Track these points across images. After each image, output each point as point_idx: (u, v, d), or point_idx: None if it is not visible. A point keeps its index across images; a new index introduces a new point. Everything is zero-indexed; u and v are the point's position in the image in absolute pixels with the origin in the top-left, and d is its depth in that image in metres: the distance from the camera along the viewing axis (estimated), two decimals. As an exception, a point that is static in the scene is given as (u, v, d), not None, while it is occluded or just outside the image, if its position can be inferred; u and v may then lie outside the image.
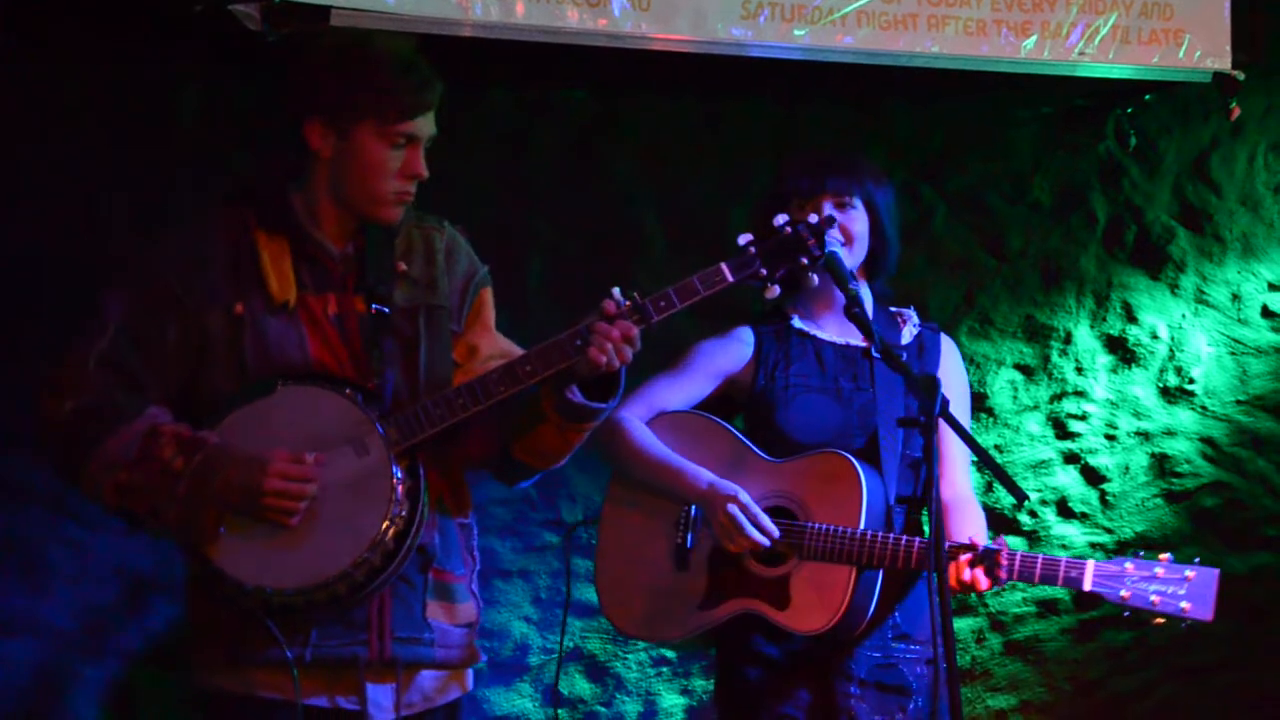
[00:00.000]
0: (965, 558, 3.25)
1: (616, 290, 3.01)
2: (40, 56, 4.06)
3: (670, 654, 4.72)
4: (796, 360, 3.50)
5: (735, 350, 3.54)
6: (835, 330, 3.53)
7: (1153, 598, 3.23)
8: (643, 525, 3.47)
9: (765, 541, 3.32)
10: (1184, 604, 3.22)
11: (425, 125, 3.03)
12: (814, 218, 3.02)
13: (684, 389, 3.53)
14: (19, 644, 4.12)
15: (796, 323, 3.53)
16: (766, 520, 3.33)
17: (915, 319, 3.59)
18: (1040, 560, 3.26)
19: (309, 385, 2.98)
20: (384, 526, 2.91)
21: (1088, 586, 3.24)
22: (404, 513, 2.95)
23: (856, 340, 3.51)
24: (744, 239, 3.03)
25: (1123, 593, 3.24)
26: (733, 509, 3.32)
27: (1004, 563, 3.24)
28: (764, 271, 3.03)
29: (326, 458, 2.93)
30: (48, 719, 4.20)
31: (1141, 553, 3.28)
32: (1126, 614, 3.26)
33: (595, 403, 3.02)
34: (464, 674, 3.16)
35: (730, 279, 3.03)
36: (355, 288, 3.07)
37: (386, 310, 3.05)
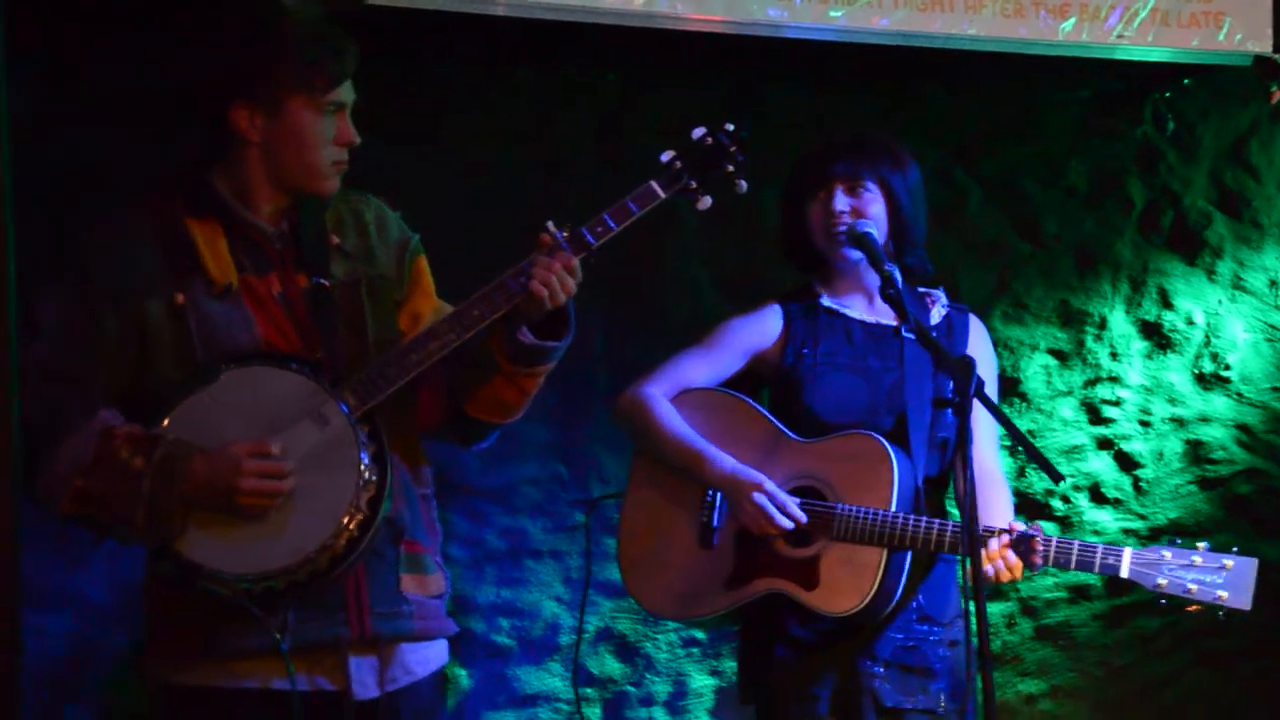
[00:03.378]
0: (997, 543, 3.24)
1: (550, 223, 2.99)
2: (71, 52, 4.07)
3: (701, 635, 4.73)
4: (825, 338, 3.49)
5: (764, 327, 3.54)
6: (864, 308, 3.52)
7: (1190, 586, 3.22)
8: (667, 504, 3.47)
9: (791, 527, 3.33)
10: (1221, 593, 3.21)
11: (349, 91, 3.01)
12: (730, 125, 3.06)
13: (711, 365, 3.53)
14: (55, 616, 4.15)
15: (825, 300, 3.53)
16: (794, 506, 3.33)
17: (944, 300, 3.58)
18: (1076, 546, 3.25)
19: (254, 366, 2.93)
20: (356, 494, 2.88)
21: (1124, 574, 3.23)
22: (374, 478, 2.91)
23: (886, 319, 3.50)
24: (666, 155, 3.06)
25: (1160, 581, 3.23)
26: (759, 498, 3.32)
27: (1039, 548, 3.23)
28: (693, 183, 3.05)
29: (288, 436, 2.88)
30: (82, 689, 4.23)
31: (1179, 540, 3.27)
32: (1163, 601, 3.25)
33: (546, 342, 3.00)
34: (442, 645, 3.14)
35: (661, 194, 3.03)
36: (294, 265, 3.03)
37: (327, 284, 3.02)
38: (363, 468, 2.90)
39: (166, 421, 2.90)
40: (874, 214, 3.44)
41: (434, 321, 3.05)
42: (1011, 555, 3.24)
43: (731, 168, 3.08)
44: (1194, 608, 3.23)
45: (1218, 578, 3.22)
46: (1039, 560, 3.23)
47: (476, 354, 3.03)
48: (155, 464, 2.85)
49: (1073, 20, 4.38)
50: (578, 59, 4.50)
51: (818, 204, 3.46)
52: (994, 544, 3.25)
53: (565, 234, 2.98)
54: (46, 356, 2.94)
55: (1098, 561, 3.24)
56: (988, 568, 3.24)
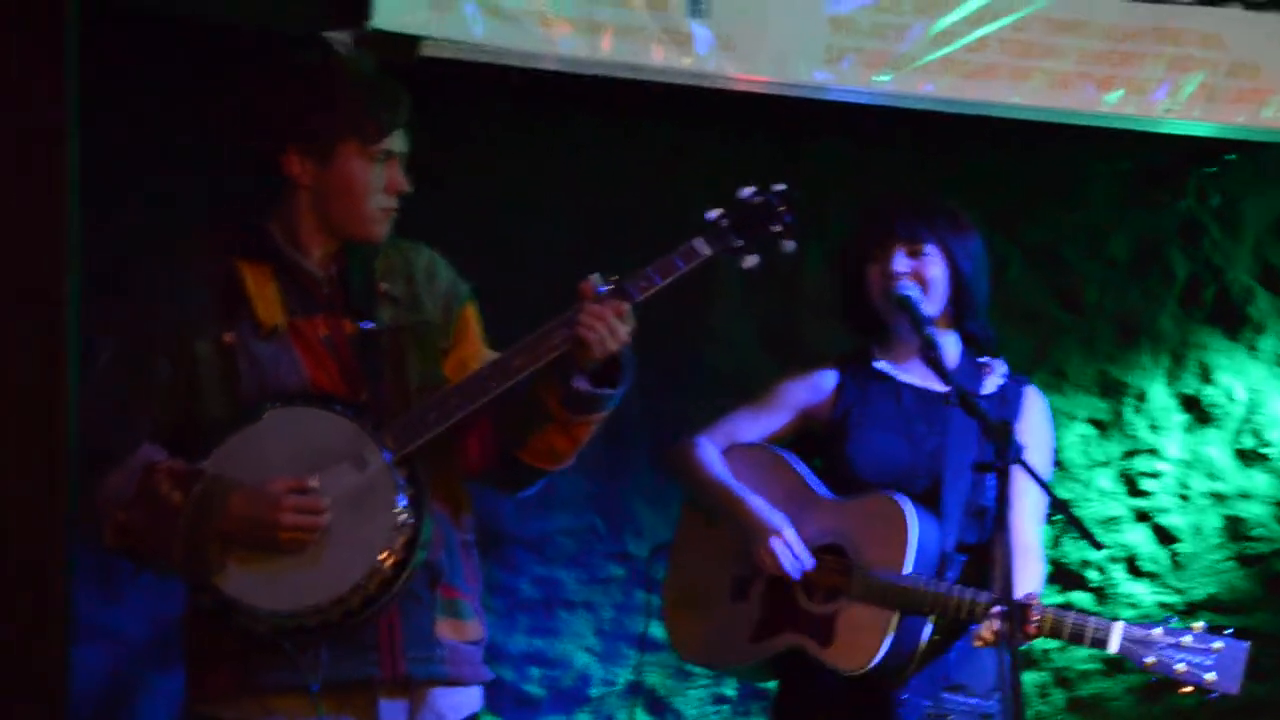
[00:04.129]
0: (996, 610, 3.23)
1: (596, 275, 3.01)
2: (134, 91, 4.15)
3: (730, 692, 4.72)
4: (874, 401, 3.50)
5: (816, 385, 3.56)
6: (918, 375, 3.52)
7: (1178, 666, 3.16)
8: (708, 553, 3.50)
9: (796, 575, 3.34)
10: (1209, 675, 3.14)
11: (401, 140, 3.06)
12: (780, 186, 3.07)
13: (761, 422, 3.56)
14: (94, 650, 4.17)
15: (879, 364, 3.54)
16: (805, 554, 3.36)
17: (1004, 370, 3.57)
18: (1070, 618, 3.22)
19: (297, 406, 2.97)
20: (392, 535, 2.91)
21: (1113, 649, 3.19)
22: (411, 521, 2.94)
23: (938, 387, 3.48)
24: (712, 213, 3.08)
25: (1148, 659, 3.18)
26: (774, 542, 3.35)
27: (1034, 617, 3.21)
28: (739, 243, 3.06)
29: (327, 476, 2.91)
30: (119, 721, 4.26)
31: (1174, 620, 3.23)
32: (1154, 679, 3.19)
33: (602, 389, 3.02)
34: (476, 692, 3.15)
35: (706, 252, 3.05)
36: (341, 309, 3.07)
37: (374, 328, 3.05)
38: (399, 510, 2.93)
39: (211, 457, 2.94)
40: (933, 277, 3.44)
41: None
42: (1006, 624, 3.21)
43: (778, 228, 3.09)
44: (1185, 689, 3.17)
45: (1207, 659, 3.15)
46: (1033, 629, 3.21)
47: (528, 400, 3.05)
48: (194, 499, 2.89)
49: (1120, 93, 4.41)
50: (626, 107, 4.54)
51: (877, 265, 3.46)
52: (992, 613, 3.24)
53: (609, 287, 3.01)
54: (97, 391, 3.01)
55: (1089, 635, 3.21)
56: (983, 633, 3.22)
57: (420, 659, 3.02)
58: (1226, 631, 3.19)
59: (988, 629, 3.22)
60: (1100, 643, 3.20)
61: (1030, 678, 4.86)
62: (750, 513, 3.40)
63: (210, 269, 3.05)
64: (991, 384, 3.54)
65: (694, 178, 4.61)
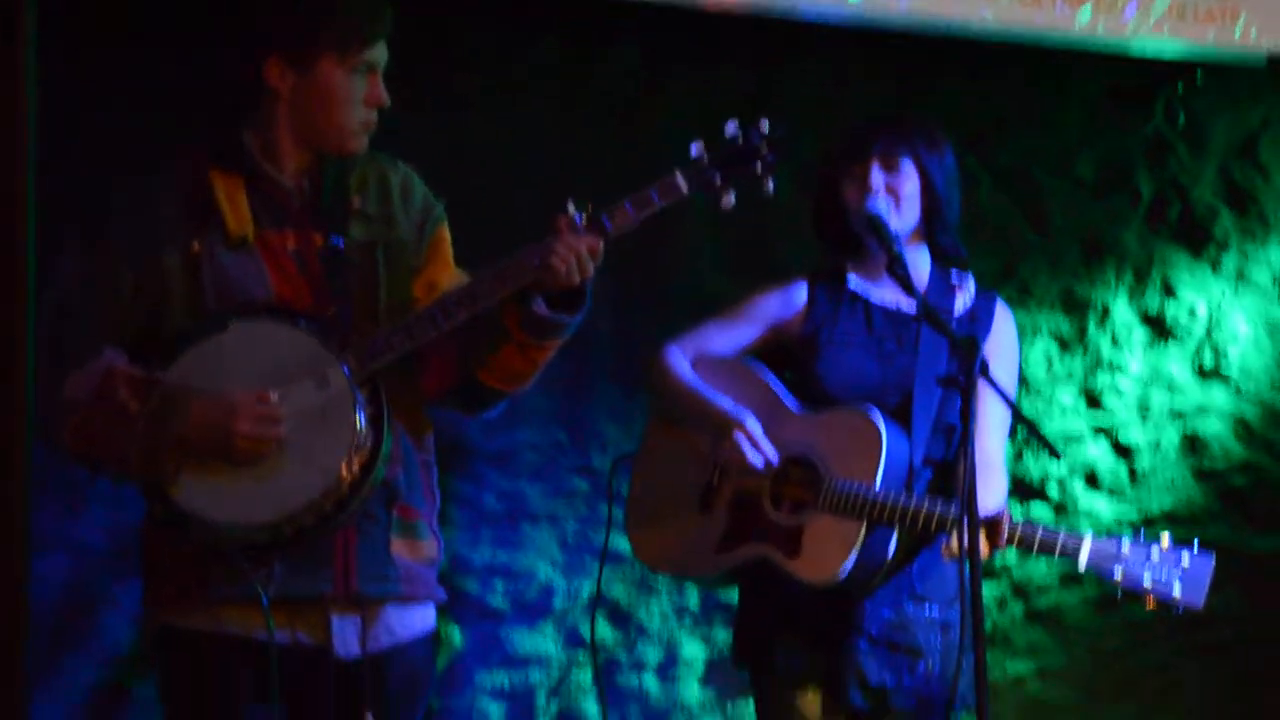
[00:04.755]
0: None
1: (571, 205, 2.99)
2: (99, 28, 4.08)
3: (693, 604, 4.76)
4: (845, 319, 3.51)
5: (787, 300, 3.56)
6: (891, 292, 3.52)
7: (1145, 581, 3.18)
8: (674, 462, 3.51)
9: (760, 465, 3.36)
10: (1176, 590, 3.17)
11: (382, 51, 3.02)
12: (765, 124, 3.05)
13: (732, 334, 3.56)
14: (53, 561, 4.17)
15: (852, 283, 3.54)
16: (768, 446, 3.37)
17: (972, 286, 3.58)
18: (1039, 530, 3.26)
19: (262, 319, 2.95)
20: (349, 456, 2.90)
21: (1082, 562, 3.21)
22: (368, 442, 2.92)
23: (910, 306, 3.48)
24: (695, 148, 3.04)
25: (1117, 572, 3.20)
26: (737, 435, 3.37)
27: (1003, 530, 3.24)
28: (718, 180, 3.04)
29: (287, 391, 2.90)
30: (80, 634, 4.27)
31: (1143, 532, 3.25)
32: (1119, 594, 3.21)
33: (560, 315, 3.01)
34: (429, 611, 3.15)
35: (684, 188, 3.01)
36: (312, 223, 3.04)
37: (343, 244, 3.03)
38: (358, 430, 2.91)
39: (172, 366, 2.92)
40: (907, 192, 3.44)
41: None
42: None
43: (760, 167, 3.05)
44: (1150, 603, 3.18)
45: (1175, 573, 3.17)
46: (1002, 542, 3.24)
47: (489, 322, 3.03)
48: (151, 407, 2.87)
49: (1089, 10, 4.39)
50: (599, 31, 4.49)
51: (854, 180, 3.45)
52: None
53: (584, 217, 2.99)
54: (61, 295, 2.98)
55: (1059, 546, 3.23)
56: (953, 545, 3.25)
57: (374, 577, 3.02)
58: (1193, 546, 3.21)
59: (957, 541, 3.24)
60: (1070, 556, 3.23)
61: (988, 590, 4.91)
62: (715, 410, 3.41)
63: (181, 177, 3.02)
64: (962, 301, 3.55)
65: (666, 102, 4.59)
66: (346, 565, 3.00)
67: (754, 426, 3.38)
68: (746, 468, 3.38)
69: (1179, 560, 3.18)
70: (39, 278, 2.87)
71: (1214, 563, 3.18)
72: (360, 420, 2.91)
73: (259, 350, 2.93)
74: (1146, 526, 4.85)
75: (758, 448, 3.37)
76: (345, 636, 3.01)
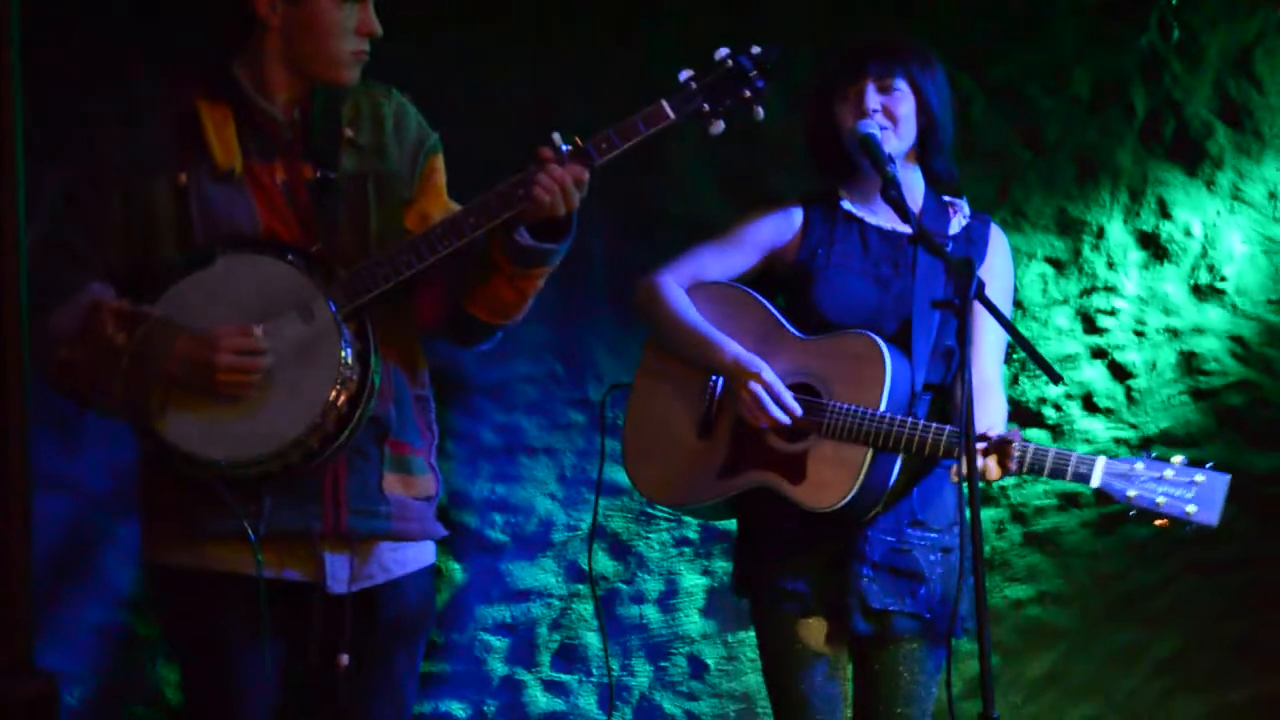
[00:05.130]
0: (978, 447, 3.25)
1: (556, 135, 2.97)
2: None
3: (693, 535, 4.76)
4: (840, 241, 3.49)
5: (781, 225, 3.53)
6: (885, 216, 3.51)
7: (1159, 499, 3.18)
8: (672, 392, 3.49)
9: (785, 420, 3.34)
10: (1190, 508, 3.17)
11: None
12: (756, 49, 3.02)
13: (726, 260, 3.53)
14: (53, 501, 4.17)
15: (846, 205, 3.52)
16: (789, 398, 3.35)
17: (966, 209, 3.57)
18: (1051, 453, 3.24)
19: (250, 253, 2.94)
20: (335, 390, 2.89)
21: (1095, 483, 3.20)
22: (355, 376, 2.92)
23: (905, 228, 3.46)
24: (684, 75, 3.02)
25: (1130, 492, 3.19)
26: (755, 386, 3.33)
27: (1015, 453, 3.23)
28: (706, 106, 3.02)
29: (272, 326, 2.89)
30: (80, 573, 4.27)
31: (1155, 452, 3.24)
32: (1132, 513, 3.21)
33: (545, 244, 2.99)
34: (427, 547, 3.15)
35: (671, 116, 3.00)
36: (301, 155, 3.02)
37: (333, 176, 3.01)
38: (344, 364, 2.90)
39: (159, 300, 2.91)
40: (902, 114, 3.42)
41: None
42: (989, 460, 3.24)
43: (749, 93, 3.04)
44: (1161, 522, 3.18)
45: (1187, 492, 3.17)
46: (1013, 465, 3.23)
47: (477, 253, 3.02)
48: (137, 341, 2.86)
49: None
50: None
51: (848, 102, 3.43)
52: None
53: (570, 148, 2.96)
54: (49, 228, 2.96)
55: (1071, 469, 3.22)
56: (962, 468, 3.24)
57: (364, 513, 3.02)
58: (1207, 465, 3.21)
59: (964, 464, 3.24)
60: (1082, 477, 3.22)
61: (987, 514, 4.92)
62: (727, 357, 3.38)
63: (169, 108, 2.99)
64: (956, 223, 3.54)
65: (657, 25, 4.54)
66: (336, 501, 3.00)
67: (770, 377, 3.35)
68: (768, 419, 3.35)
69: (1192, 479, 3.18)
70: (29, 209, 2.84)
71: (1229, 481, 3.18)
72: (346, 355, 2.90)
73: (245, 284, 2.92)
74: (1144, 447, 4.86)
75: (779, 401, 3.34)
76: (337, 574, 3.01)
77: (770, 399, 3.33)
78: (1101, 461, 3.22)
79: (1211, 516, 3.17)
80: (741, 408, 3.36)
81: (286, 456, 2.90)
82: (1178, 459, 3.22)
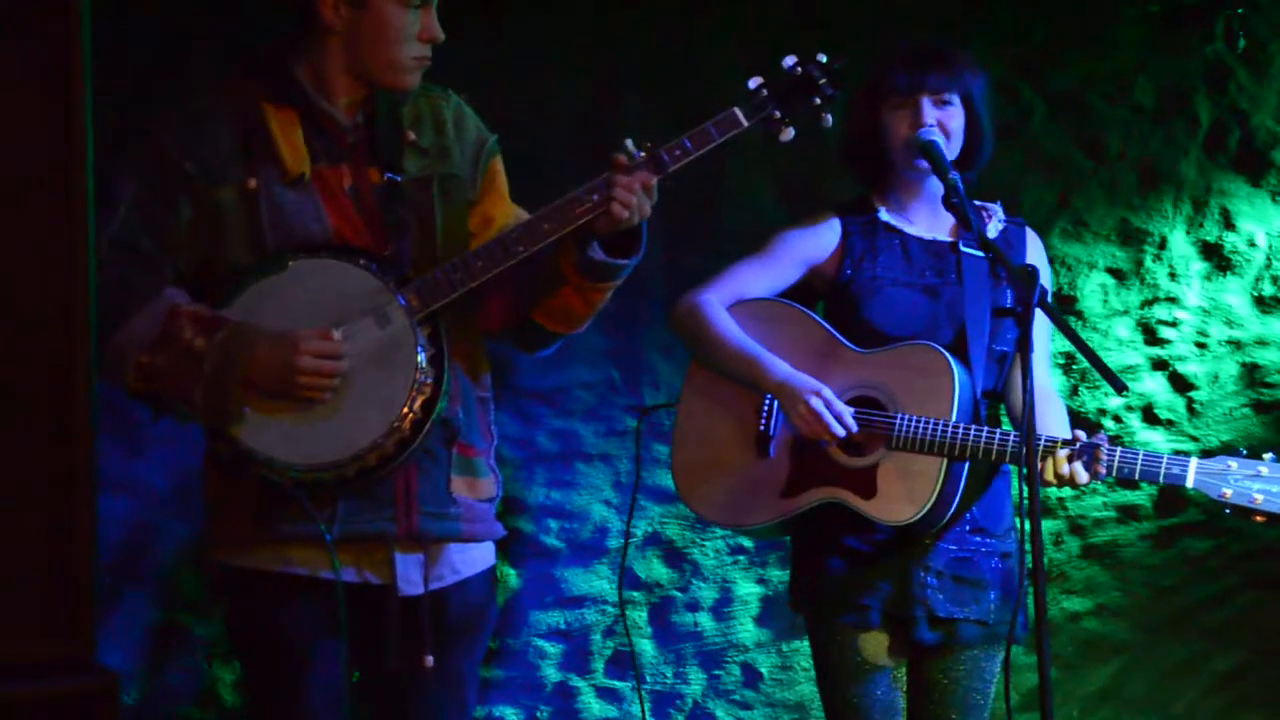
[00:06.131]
0: (1064, 453, 3.24)
1: (629, 142, 2.98)
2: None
3: (747, 543, 4.76)
4: (884, 253, 3.48)
5: (821, 239, 3.52)
6: (924, 224, 3.50)
7: (1256, 496, 3.19)
8: (723, 411, 3.47)
9: (843, 434, 3.32)
10: None
11: None
12: (823, 57, 3.04)
13: (768, 276, 3.52)
14: (116, 501, 4.21)
15: (884, 215, 3.51)
16: (848, 415, 3.33)
17: (1001, 214, 3.56)
18: (1141, 456, 3.23)
19: (322, 258, 2.95)
20: (411, 395, 2.90)
21: (1190, 484, 3.21)
22: (430, 380, 2.93)
23: (944, 235, 3.49)
24: (754, 82, 3.03)
25: (1225, 490, 3.21)
26: (815, 403, 3.32)
27: (1104, 457, 3.22)
28: (778, 113, 3.03)
29: (349, 330, 2.91)
30: (143, 574, 4.30)
31: (1244, 452, 3.24)
32: (1228, 511, 3.22)
33: (617, 259, 3.00)
34: (489, 547, 3.17)
35: (744, 123, 3.02)
36: (367, 159, 3.03)
37: (399, 179, 3.02)
38: (419, 369, 2.92)
39: (234, 305, 2.93)
40: (954, 129, 3.42)
41: (504, 225, 3.05)
42: (1076, 464, 3.23)
43: (819, 101, 3.06)
44: (1260, 518, 3.20)
45: None
46: (1103, 470, 3.22)
47: (546, 263, 3.03)
48: (218, 345, 2.88)
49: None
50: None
51: (902, 115, 3.41)
52: (1061, 453, 3.24)
53: (642, 154, 2.97)
54: (118, 231, 2.97)
55: (1163, 471, 3.22)
56: (1053, 476, 3.24)
57: (435, 515, 3.04)
58: None
59: (1051, 470, 3.23)
60: (1177, 479, 3.22)
61: (1045, 525, 4.89)
62: (777, 377, 3.37)
63: (236, 113, 3.00)
64: (993, 228, 3.53)
65: (712, 33, 4.54)
66: (409, 504, 3.01)
67: (829, 394, 3.33)
68: (828, 436, 3.33)
69: None
70: (97, 211, 2.86)
71: None
72: (421, 358, 2.92)
73: (320, 288, 2.94)
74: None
75: (841, 419, 3.32)
76: (409, 575, 3.03)
77: (831, 415, 3.32)
78: (1195, 461, 3.23)
79: None
80: (799, 425, 3.35)
81: (363, 460, 2.91)
82: (1268, 456, 3.23)
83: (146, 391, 2.95)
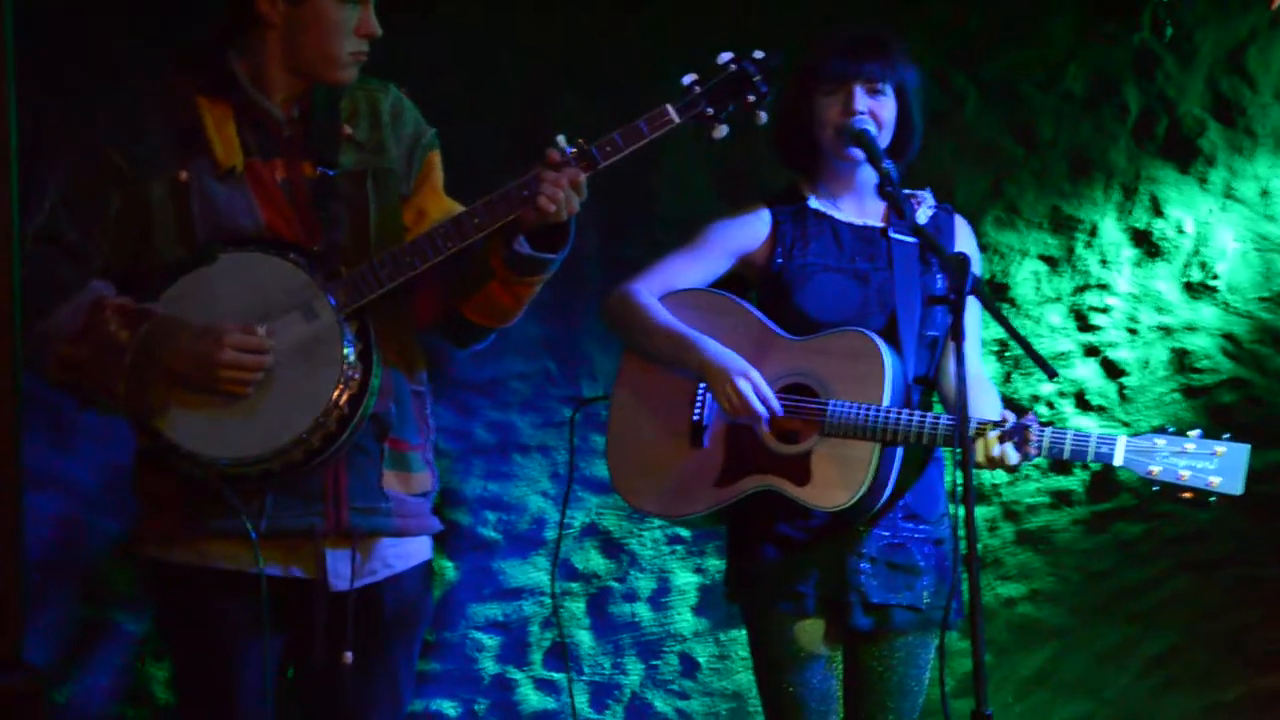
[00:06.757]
0: (994, 434, 3.25)
1: (560, 138, 2.98)
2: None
3: (685, 533, 4.76)
4: (814, 240, 3.48)
5: (751, 229, 3.52)
6: (853, 211, 3.51)
7: (1182, 472, 3.22)
8: (656, 402, 3.47)
9: (765, 415, 3.33)
10: (1213, 479, 3.21)
11: None
12: (759, 53, 3.03)
13: (699, 267, 3.52)
14: (44, 497, 4.16)
15: (813, 203, 3.52)
16: (774, 398, 3.34)
17: (931, 200, 3.58)
18: (1070, 435, 3.25)
19: (251, 251, 2.93)
20: (338, 390, 2.89)
21: (1119, 461, 3.23)
22: (357, 376, 2.92)
23: (874, 221, 3.50)
24: (688, 78, 3.03)
25: (1152, 468, 3.23)
26: (741, 384, 3.32)
27: (1034, 438, 3.24)
28: (710, 110, 3.03)
29: (275, 324, 2.89)
30: (69, 566, 4.26)
31: (1171, 429, 3.26)
32: (1155, 488, 3.24)
33: (544, 254, 2.99)
34: (425, 541, 3.16)
35: (675, 119, 3.01)
36: (301, 152, 3.02)
37: (333, 174, 3.01)
38: (346, 364, 2.90)
39: (161, 297, 2.91)
40: (886, 118, 3.42)
41: (437, 222, 3.03)
42: (1007, 445, 3.25)
43: (753, 98, 3.06)
44: (1187, 494, 3.23)
45: (1209, 464, 3.21)
46: (1033, 450, 3.24)
47: (474, 258, 3.02)
48: (140, 338, 2.86)
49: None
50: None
51: (834, 102, 3.41)
52: (991, 434, 3.26)
53: (574, 150, 2.96)
54: (45, 223, 2.95)
55: (1091, 450, 3.24)
56: (984, 458, 3.25)
57: (365, 510, 3.03)
58: (1224, 435, 3.25)
59: (983, 452, 3.25)
60: (1105, 457, 3.24)
61: (979, 511, 4.91)
62: (709, 357, 3.37)
63: (168, 104, 2.98)
64: (923, 215, 3.54)
65: (651, 26, 4.52)
66: (338, 499, 3.00)
67: (756, 377, 3.34)
68: (752, 416, 3.34)
69: (1213, 451, 3.22)
70: (23, 205, 2.83)
71: (1249, 451, 3.23)
72: (349, 353, 2.90)
73: (247, 282, 2.92)
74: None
75: (766, 402, 3.33)
76: (339, 570, 3.01)
77: (755, 396, 3.32)
78: (1123, 440, 3.25)
79: (1235, 486, 3.22)
80: (726, 405, 3.35)
81: (288, 455, 2.90)
82: (1194, 432, 3.25)
83: (68, 382, 2.93)
